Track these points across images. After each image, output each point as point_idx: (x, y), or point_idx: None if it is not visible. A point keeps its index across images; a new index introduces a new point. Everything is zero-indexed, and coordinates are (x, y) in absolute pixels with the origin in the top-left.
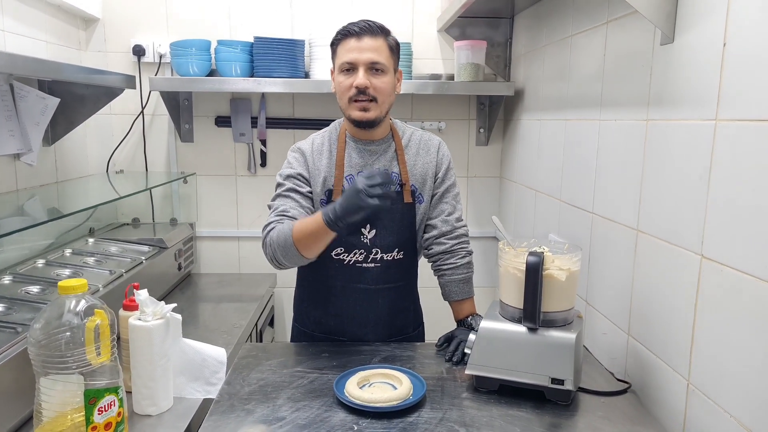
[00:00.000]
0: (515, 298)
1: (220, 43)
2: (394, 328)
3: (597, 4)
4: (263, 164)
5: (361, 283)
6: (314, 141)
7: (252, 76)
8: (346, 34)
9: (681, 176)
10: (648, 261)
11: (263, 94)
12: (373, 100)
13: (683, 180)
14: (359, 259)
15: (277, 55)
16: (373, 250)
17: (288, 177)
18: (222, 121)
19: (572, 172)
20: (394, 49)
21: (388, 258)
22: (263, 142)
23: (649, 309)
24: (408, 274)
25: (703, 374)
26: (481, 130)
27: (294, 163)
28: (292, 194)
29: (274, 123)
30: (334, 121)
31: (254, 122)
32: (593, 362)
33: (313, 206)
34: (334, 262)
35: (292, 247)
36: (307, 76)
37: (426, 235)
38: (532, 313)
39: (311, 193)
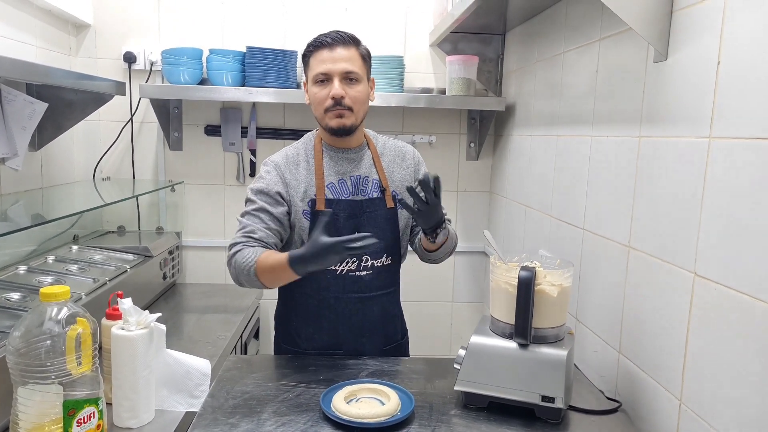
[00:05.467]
0: (506, 314)
1: (212, 51)
2: (386, 337)
3: (590, 21)
4: (252, 174)
5: (355, 292)
6: (288, 153)
7: (243, 86)
8: (318, 45)
9: (674, 193)
10: (640, 278)
11: (254, 104)
12: (349, 109)
13: (676, 197)
14: (351, 267)
15: (269, 65)
16: (364, 258)
17: (259, 193)
18: (212, 130)
19: (563, 188)
20: (367, 58)
21: (378, 264)
22: (253, 152)
23: (640, 327)
24: (395, 279)
25: (696, 394)
26: (472, 145)
27: (268, 178)
28: (261, 214)
29: (265, 133)
30: None
31: (244, 132)
32: (582, 380)
33: (283, 227)
34: (326, 273)
35: (255, 278)
36: (298, 86)
37: (414, 232)
38: (523, 329)
39: (285, 213)
